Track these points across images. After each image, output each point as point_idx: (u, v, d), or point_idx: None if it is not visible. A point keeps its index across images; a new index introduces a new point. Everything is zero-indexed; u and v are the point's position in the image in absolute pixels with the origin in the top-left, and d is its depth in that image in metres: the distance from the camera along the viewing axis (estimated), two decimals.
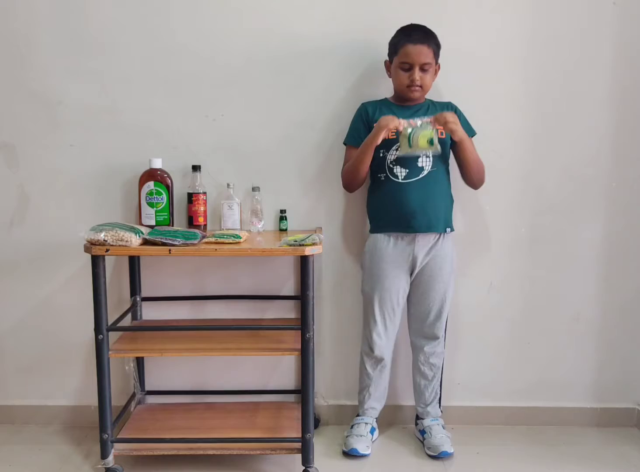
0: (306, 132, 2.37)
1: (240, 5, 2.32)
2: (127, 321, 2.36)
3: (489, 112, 2.37)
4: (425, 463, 2.24)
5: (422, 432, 2.33)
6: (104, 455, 2.10)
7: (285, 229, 2.37)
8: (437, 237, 2.23)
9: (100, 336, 2.03)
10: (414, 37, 2.14)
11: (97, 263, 2.01)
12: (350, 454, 2.23)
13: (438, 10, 2.32)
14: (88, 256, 2.01)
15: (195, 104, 2.36)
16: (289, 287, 2.46)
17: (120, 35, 2.33)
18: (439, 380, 2.35)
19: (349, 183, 2.26)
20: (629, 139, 2.39)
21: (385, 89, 2.31)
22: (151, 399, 2.49)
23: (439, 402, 2.38)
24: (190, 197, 2.28)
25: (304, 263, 2.01)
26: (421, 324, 2.30)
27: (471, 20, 2.33)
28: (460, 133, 2.12)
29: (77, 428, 2.47)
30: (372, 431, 2.33)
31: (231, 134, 2.38)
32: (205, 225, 2.32)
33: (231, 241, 2.04)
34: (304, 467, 2.10)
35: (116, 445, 2.12)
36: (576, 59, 2.35)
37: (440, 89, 2.34)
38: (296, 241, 2.00)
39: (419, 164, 2.17)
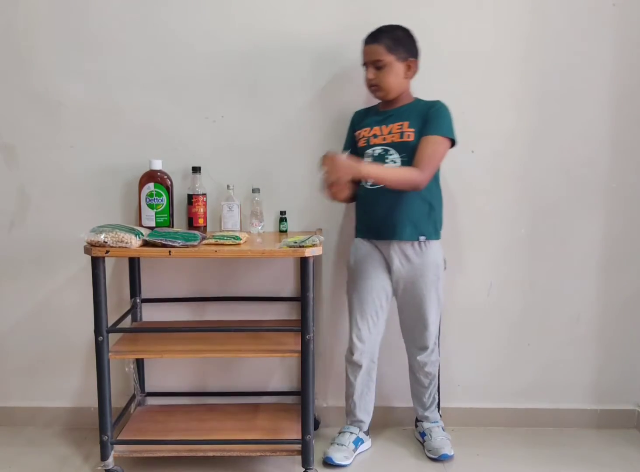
0: (307, 133, 2.37)
1: (241, 6, 2.32)
2: (127, 323, 2.36)
3: (488, 112, 2.37)
4: (425, 465, 2.24)
5: (422, 434, 2.33)
6: (103, 457, 2.09)
7: (285, 231, 2.37)
8: (414, 245, 2.17)
9: (100, 338, 2.03)
10: (367, 37, 2.13)
11: (97, 264, 2.01)
12: (326, 462, 2.20)
13: (438, 11, 2.32)
14: (88, 257, 2.01)
15: (195, 106, 2.37)
16: (289, 288, 2.46)
17: (121, 36, 2.33)
18: (436, 386, 2.33)
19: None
20: (629, 139, 2.39)
21: None
22: (151, 401, 2.49)
23: (438, 407, 2.36)
24: (190, 199, 2.28)
25: (303, 265, 2.01)
26: (410, 333, 2.28)
27: (471, 21, 2.33)
28: (362, 175, 2.02)
29: (77, 430, 2.47)
30: (356, 441, 2.28)
31: (231, 135, 2.38)
32: (205, 226, 2.32)
33: (231, 243, 2.04)
34: (304, 469, 2.10)
35: (116, 447, 2.12)
36: (576, 60, 2.35)
37: (439, 89, 2.33)
38: (296, 243, 2.00)
39: None
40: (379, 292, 2.23)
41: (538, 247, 2.45)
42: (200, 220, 2.29)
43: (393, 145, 2.14)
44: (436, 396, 2.34)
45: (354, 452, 2.27)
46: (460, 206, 2.41)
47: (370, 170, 2.05)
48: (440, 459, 2.22)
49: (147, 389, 2.49)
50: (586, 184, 2.41)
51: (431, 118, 2.11)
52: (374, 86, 2.15)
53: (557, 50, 2.35)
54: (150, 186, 2.23)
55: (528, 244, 2.45)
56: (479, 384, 2.50)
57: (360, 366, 2.27)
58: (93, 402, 2.13)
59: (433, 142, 2.09)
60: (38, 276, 2.44)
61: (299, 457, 2.10)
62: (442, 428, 2.33)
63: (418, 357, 2.27)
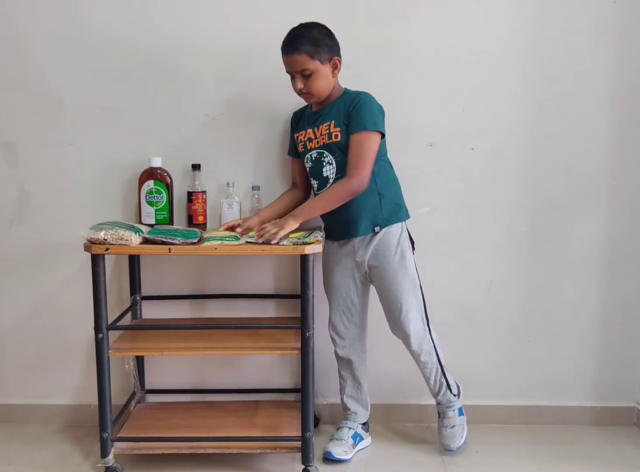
0: None
1: (240, 4, 2.32)
2: (127, 320, 2.36)
3: (488, 110, 2.36)
4: (425, 461, 2.24)
5: (438, 415, 2.32)
6: (104, 454, 2.09)
7: None
8: (371, 236, 2.16)
9: (100, 335, 2.03)
10: (285, 46, 2.06)
11: (97, 262, 2.01)
12: (326, 457, 2.21)
13: (438, 8, 2.31)
14: (88, 255, 2.01)
15: (195, 103, 2.36)
16: (289, 286, 2.46)
17: (120, 34, 2.33)
18: (439, 370, 2.26)
19: None
20: (629, 137, 2.39)
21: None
22: (151, 398, 2.50)
23: (450, 389, 2.28)
24: (190, 196, 2.28)
25: (303, 262, 2.01)
26: (391, 319, 2.23)
27: (470, 18, 2.32)
28: (279, 235, 1.97)
29: (77, 427, 2.47)
30: (355, 436, 2.28)
31: (231, 132, 2.38)
32: (205, 224, 2.32)
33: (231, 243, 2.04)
34: (304, 466, 2.10)
35: (116, 444, 2.12)
36: (576, 57, 2.35)
37: (440, 87, 2.34)
38: (299, 239, 2.00)
39: (324, 174, 2.15)
40: (346, 288, 2.25)
41: (538, 245, 2.45)
42: (200, 218, 2.29)
43: (325, 147, 2.13)
44: (442, 380, 2.27)
45: (354, 447, 2.27)
46: (460, 204, 2.41)
47: (299, 215, 2.04)
48: (450, 450, 2.26)
49: (147, 386, 2.49)
50: (586, 182, 2.41)
51: (353, 115, 2.06)
52: (304, 94, 2.12)
53: (558, 47, 2.34)
54: (150, 184, 2.23)
55: (528, 242, 2.44)
56: (479, 381, 2.50)
57: (347, 360, 2.29)
58: (93, 399, 2.13)
59: (359, 141, 2.05)
60: (38, 273, 2.44)
61: (299, 455, 2.10)
62: (460, 410, 2.29)
63: (413, 348, 2.22)
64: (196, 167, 2.30)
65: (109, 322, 2.08)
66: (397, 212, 2.19)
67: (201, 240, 2.03)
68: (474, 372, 2.50)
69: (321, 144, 2.14)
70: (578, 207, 2.42)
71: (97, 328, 2.03)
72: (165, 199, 2.24)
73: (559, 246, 2.44)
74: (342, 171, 2.10)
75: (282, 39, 2.30)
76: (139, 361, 2.44)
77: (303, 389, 2.09)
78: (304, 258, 2.00)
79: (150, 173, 2.24)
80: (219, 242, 2.00)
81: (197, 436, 2.17)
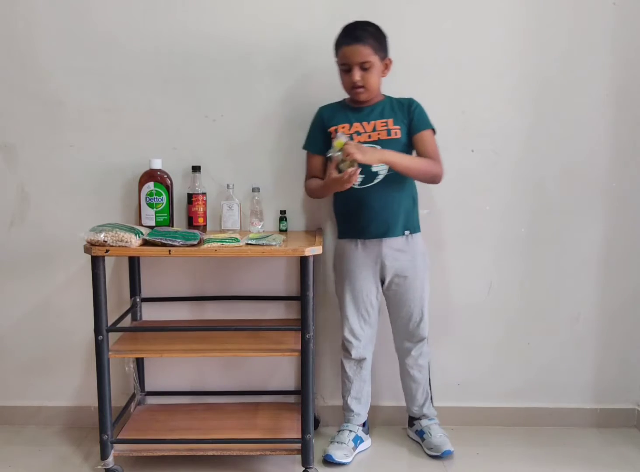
0: (306, 132, 2.37)
1: (240, 5, 2.32)
2: (127, 322, 2.36)
3: (488, 112, 2.37)
4: (425, 464, 2.24)
5: (420, 432, 2.32)
6: (103, 456, 2.09)
7: (285, 230, 2.37)
8: (402, 240, 2.21)
9: (100, 337, 2.03)
10: (348, 37, 2.09)
11: (97, 264, 2.01)
12: (326, 460, 2.21)
13: (436, 9, 2.31)
14: (88, 257, 2.01)
15: (195, 105, 2.36)
16: (289, 287, 2.46)
17: (121, 35, 2.33)
18: (428, 381, 2.34)
19: (314, 198, 2.31)
20: (629, 138, 2.39)
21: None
22: (151, 400, 2.49)
23: (432, 401, 2.36)
24: (190, 198, 2.28)
25: (303, 264, 2.01)
26: (405, 327, 2.28)
27: (470, 19, 2.33)
28: (368, 159, 2.03)
29: (77, 429, 2.47)
30: (356, 439, 2.28)
31: (231, 134, 2.38)
32: (205, 225, 2.32)
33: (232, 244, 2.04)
34: (303, 468, 2.10)
35: (116, 446, 2.12)
36: (575, 59, 2.35)
37: (440, 88, 2.34)
38: (255, 240, 2.03)
39: (374, 169, 2.15)
40: (368, 291, 2.25)
41: (538, 247, 2.45)
42: (200, 220, 2.29)
43: (380, 142, 2.15)
44: (429, 391, 2.34)
45: (354, 450, 2.27)
46: (459, 205, 2.41)
47: (393, 156, 2.09)
48: (442, 456, 2.22)
49: (147, 388, 2.49)
50: (586, 183, 2.41)
51: (417, 115, 2.18)
52: (359, 88, 2.13)
53: (557, 49, 2.34)
54: (150, 185, 2.23)
55: (528, 244, 2.44)
56: (478, 383, 2.50)
57: (360, 360, 2.29)
58: (93, 401, 2.13)
59: (429, 137, 2.19)
60: (38, 275, 2.44)
61: (299, 456, 2.10)
62: (439, 425, 2.33)
63: (412, 351, 2.29)
64: (196, 169, 2.30)
65: (109, 323, 2.08)
66: (419, 222, 2.26)
67: (201, 242, 2.03)
68: (474, 374, 2.50)
69: (375, 138, 2.15)
70: (577, 208, 2.42)
71: (97, 330, 2.03)
72: (165, 201, 2.24)
73: (558, 247, 2.44)
74: (392, 169, 2.13)
75: (282, 41, 2.32)
76: (139, 362, 2.44)
77: (303, 391, 2.09)
78: (304, 260, 2.00)
79: (151, 175, 2.24)
80: (219, 243, 2.01)
81: (197, 438, 2.17)
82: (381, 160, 2.08)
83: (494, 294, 2.47)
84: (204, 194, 2.30)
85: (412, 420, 2.39)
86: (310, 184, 2.26)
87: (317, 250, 2.00)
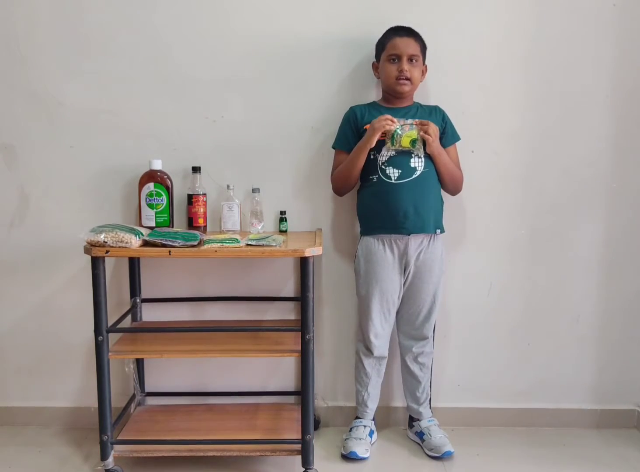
0: (307, 133, 2.37)
1: (240, 6, 2.32)
2: (127, 322, 2.35)
3: (489, 113, 2.37)
4: (425, 464, 2.24)
5: (420, 434, 2.33)
6: (103, 456, 2.09)
7: (285, 231, 2.36)
8: (428, 238, 2.23)
9: (100, 338, 2.03)
10: (402, 30, 2.19)
11: (97, 264, 2.01)
12: (349, 457, 2.22)
13: (439, 10, 2.32)
14: (88, 257, 2.01)
15: (195, 105, 2.36)
16: (289, 288, 2.46)
17: (120, 36, 2.33)
18: (429, 381, 2.35)
19: (341, 187, 2.28)
20: (629, 139, 2.39)
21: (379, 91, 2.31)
22: (151, 401, 2.49)
23: (429, 403, 2.37)
24: (190, 199, 2.28)
25: (303, 264, 2.01)
26: (411, 325, 2.30)
27: (472, 21, 2.33)
28: (434, 147, 2.14)
29: (77, 430, 2.47)
30: (370, 434, 2.32)
31: (231, 135, 2.38)
32: (205, 226, 2.32)
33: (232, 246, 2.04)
34: (304, 469, 2.10)
35: (116, 446, 2.12)
36: (577, 60, 2.35)
37: (440, 89, 2.34)
38: (255, 240, 2.03)
39: (412, 165, 2.17)
40: (393, 291, 2.26)
41: (538, 248, 2.45)
42: (200, 220, 2.29)
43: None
44: (429, 392, 2.36)
45: (370, 444, 2.30)
46: (460, 206, 2.40)
47: (443, 151, 2.20)
48: (443, 456, 2.23)
49: (147, 389, 2.49)
50: (587, 184, 2.41)
51: (449, 127, 2.26)
52: (405, 79, 2.16)
53: (558, 50, 2.34)
54: (150, 186, 2.23)
55: (528, 245, 2.44)
56: (479, 384, 2.50)
57: (381, 358, 2.32)
58: (93, 402, 2.14)
59: (456, 150, 2.29)
60: (38, 276, 2.44)
61: (299, 457, 2.10)
62: (438, 426, 2.33)
63: (414, 348, 2.30)
64: (196, 169, 2.30)
65: (109, 324, 2.08)
66: (442, 225, 2.29)
67: (201, 242, 2.03)
68: (475, 374, 2.50)
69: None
70: (578, 209, 2.42)
71: (97, 330, 2.03)
72: (165, 202, 2.24)
73: (559, 248, 2.44)
74: (428, 166, 2.18)
75: (282, 42, 2.31)
76: (139, 363, 2.44)
77: (303, 392, 2.08)
78: (304, 261, 2.00)
79: (151, 175, 2.24)
80: (219, 244, 2.01)
81: (197, 438, 2.16)
82: (438, 150, 2.16)
83: (494, 295, 2.47)
84: (204, 194, 2.30)
85: (411, 421, 2.40)
86: (338, 169, 2.26)
87: (317, 251, 2.00)
